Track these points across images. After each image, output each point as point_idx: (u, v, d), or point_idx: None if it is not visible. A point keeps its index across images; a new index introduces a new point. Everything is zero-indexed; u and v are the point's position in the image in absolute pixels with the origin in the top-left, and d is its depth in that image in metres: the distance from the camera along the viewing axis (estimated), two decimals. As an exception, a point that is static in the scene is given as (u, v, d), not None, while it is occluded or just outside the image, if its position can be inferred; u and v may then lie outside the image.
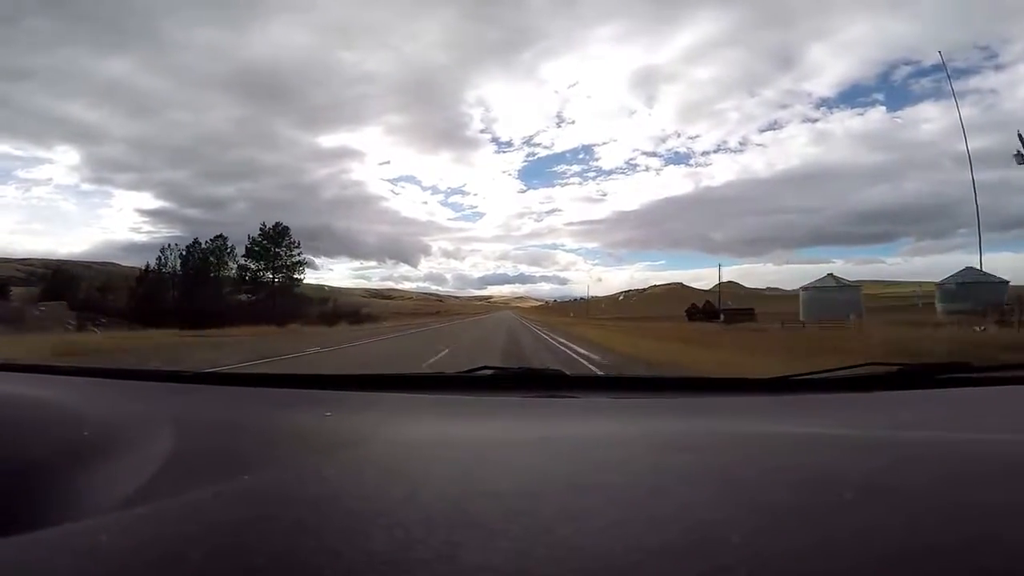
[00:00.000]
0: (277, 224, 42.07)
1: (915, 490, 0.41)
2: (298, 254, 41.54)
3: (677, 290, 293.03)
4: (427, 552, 0.32)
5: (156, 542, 0.37)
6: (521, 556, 0.32)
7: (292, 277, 41.37)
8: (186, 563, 0.33)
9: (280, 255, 40.98)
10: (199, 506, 0.43)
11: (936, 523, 0.36)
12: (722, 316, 34.32)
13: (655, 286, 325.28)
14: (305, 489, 0.47)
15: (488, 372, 1.21)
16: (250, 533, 0.37)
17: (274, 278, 40.49)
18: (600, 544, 0.33)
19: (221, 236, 39.04)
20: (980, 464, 0.48)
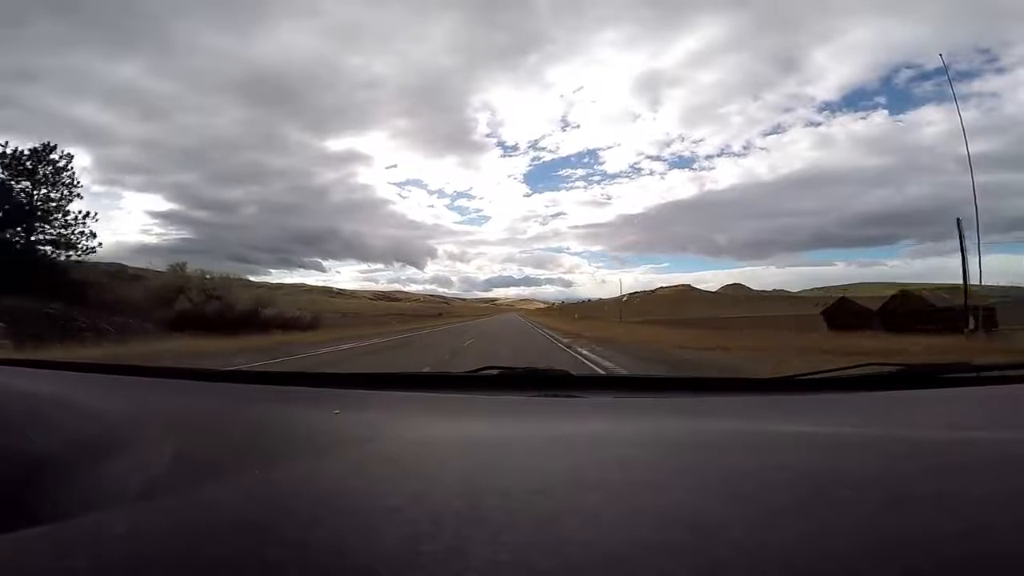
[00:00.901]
0: (47, 145, 19.80)
1: (913, 487, 0.42)
2: (75, 195, 19.91)
3: (685, 291, 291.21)
4: (436, 546, 0.33)
5: (172, 535, 0.38)
6: (527, 551, 0.33)
7: (67, 241, 19.54)
8: (201, 555, 0.34)
9: (43, 200, 19.36)
10: (214, 500, 0.45)
11: (934, 519, 0.36)
12: (972, 322, 17.48)
13: (662, 287, 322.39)
14: (316, 484, 0.49)
15: (494, 372, 1.22)
16: (263, 527, 0.38)
17: (35, 244, 19.17)
18: (603, 540, 0.34)
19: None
20: (980, 461, 0.50)
